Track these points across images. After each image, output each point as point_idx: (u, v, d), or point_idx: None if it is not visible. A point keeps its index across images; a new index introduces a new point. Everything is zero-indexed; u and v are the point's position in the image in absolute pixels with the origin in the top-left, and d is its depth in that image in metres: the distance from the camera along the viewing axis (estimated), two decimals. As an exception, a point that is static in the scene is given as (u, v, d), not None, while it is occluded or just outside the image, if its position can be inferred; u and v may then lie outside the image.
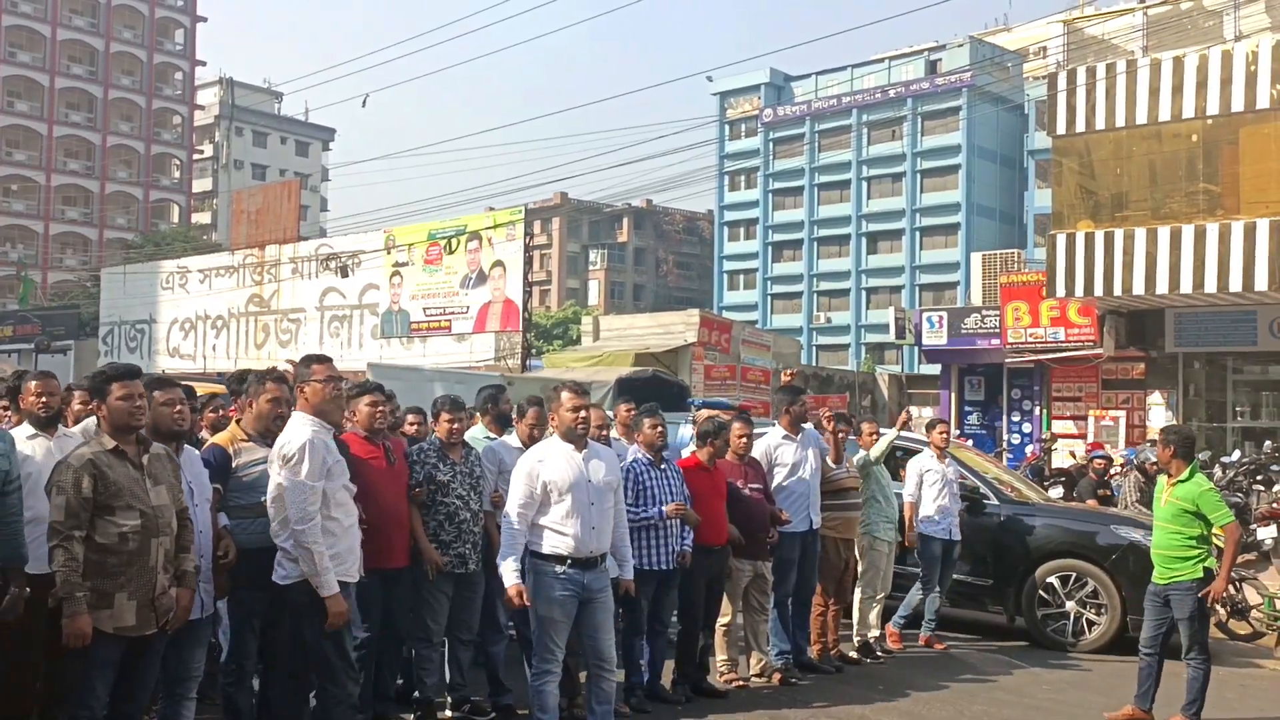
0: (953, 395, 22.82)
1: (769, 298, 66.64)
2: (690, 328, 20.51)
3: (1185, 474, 6.88)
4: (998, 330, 21.22)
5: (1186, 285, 17.18)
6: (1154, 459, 17.40)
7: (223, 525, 5.07)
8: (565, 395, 5.59)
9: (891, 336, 54.27)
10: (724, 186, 68.92)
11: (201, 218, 73.92)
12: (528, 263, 24.22)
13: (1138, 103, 17.94)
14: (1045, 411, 21.37)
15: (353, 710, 4.99)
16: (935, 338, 22.52)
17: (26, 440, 5.12)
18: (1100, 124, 18.43)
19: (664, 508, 6.50)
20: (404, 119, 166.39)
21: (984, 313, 22.00)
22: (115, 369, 4.63)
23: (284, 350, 29.40)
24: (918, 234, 60.90)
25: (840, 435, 8.35)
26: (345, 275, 26.17)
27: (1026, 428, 21.45)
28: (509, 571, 5.37)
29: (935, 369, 25.42)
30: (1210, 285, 16.98)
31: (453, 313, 25.60)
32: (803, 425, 8.03)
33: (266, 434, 5.25)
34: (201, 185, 75.46)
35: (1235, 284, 16.76)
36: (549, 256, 77.64)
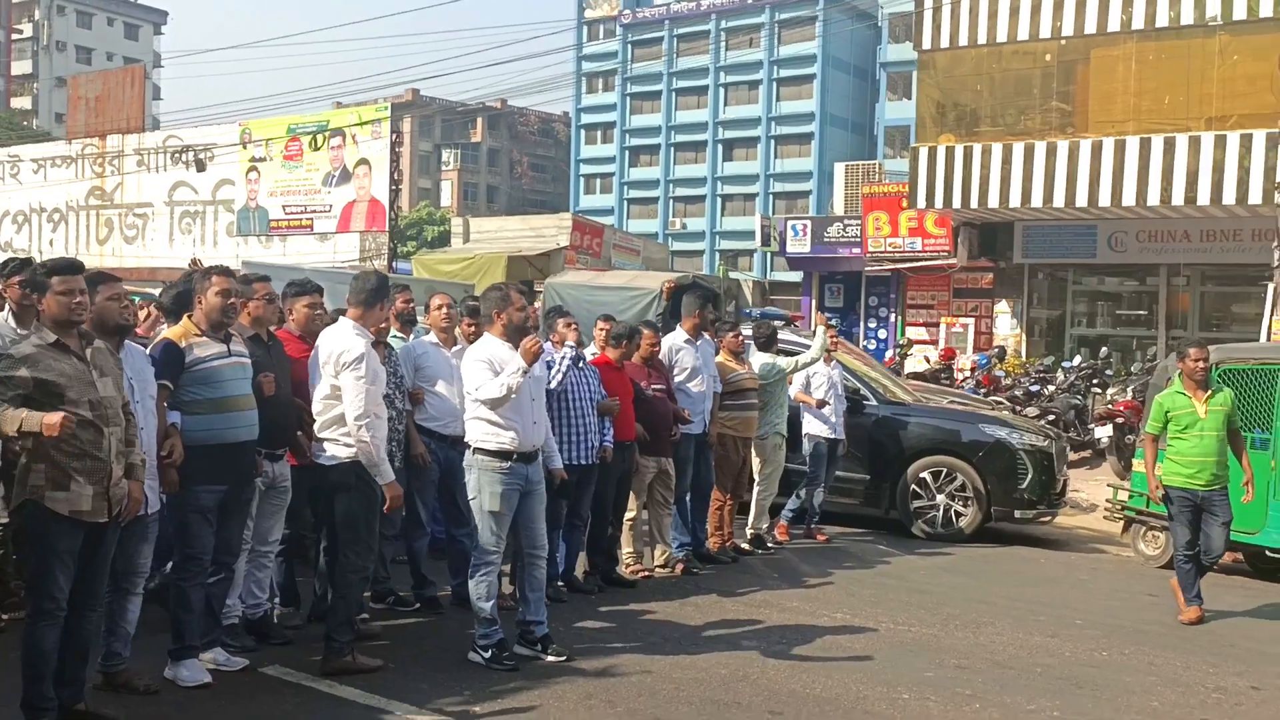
0: (813, 301, 23.59)
1: (625, 202, 66.74)
2: (562, 231, 20.57)
3: (1216, 384, 7.49)
4: (859, 239, 21.99)
5: (1037, 200, 18.10)
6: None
7: (172, 423, 5.05)
8: (514, 295, 5.74)
9: (750, 244, 54.91)
10: (581, 89, 68.17)
11: (21, 102, 69.22)
12: (394, 162, 23.72)
13: (998, 21, 18.61)
14: (900, 318, 22.34)
15: (365, 582, 5.59)
16: (799, 245, 23.17)
17: None
18: (963, 40, 19.06)
19: (583, 410, 6.70)
20: (247, 8, 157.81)
21: (846, 222, 22.72)
22: (56, 263, 4.55)
23: (130, 246, 28.22)
24: (773, 142, 61.72)
25: (739, 338, 8.75)
26: (202, 169, 25.11)
27: (882, 334, 22.41)
28: (514, 370, 5.54)
29: (790, 275, 26.22)
30: (1059, 200, 17.92)
31: (314, 211, 24.99)
32: (704, 332, 8.36)
33: (218, 327, 5.25)
34: (21, 68, 70.51)
35: (1081, 199, 17.74)
36: (400, 155, 75.60)
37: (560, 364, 6.56)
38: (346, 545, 5.45)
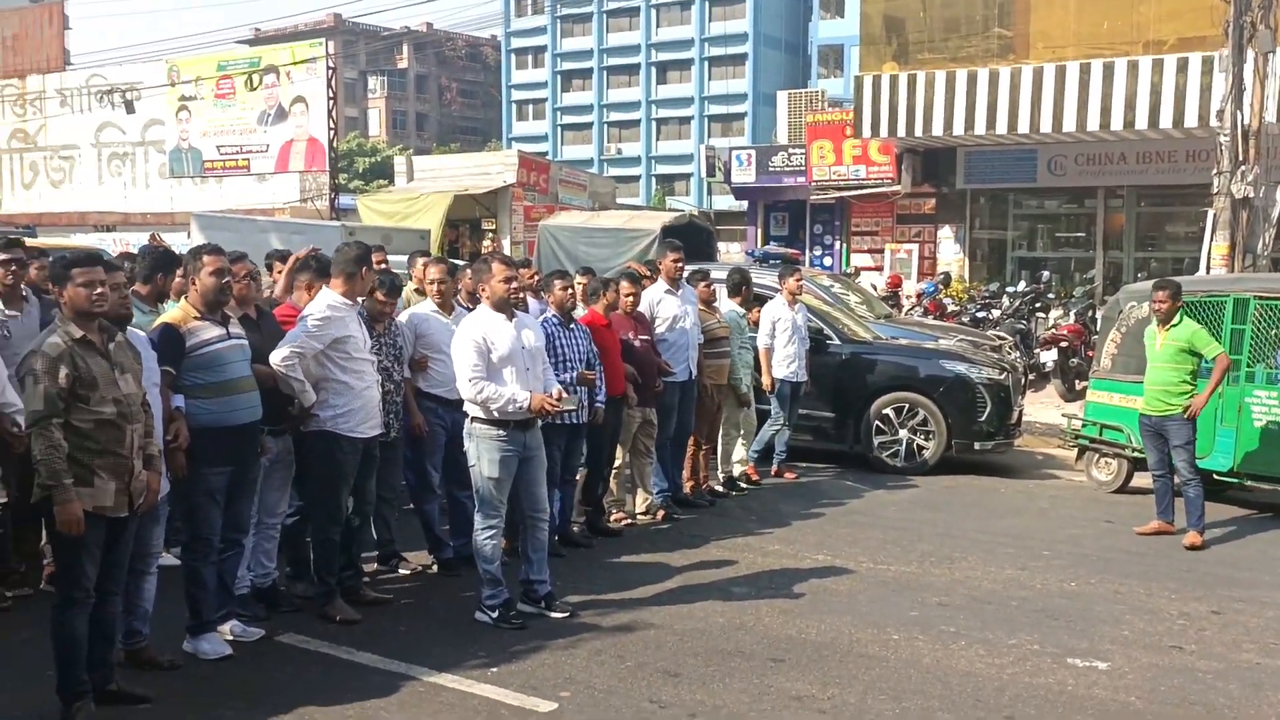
0: (759, 230, 23.76)
1: (559, 128, 66.07)
2: (509, 168, 20.38)
3: (1178, 319, 7.83)
4: (803, 168, 22.12)
5: (980, 127, 18.32)
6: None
7: (176, 407, 5.09)
8: (496, 266, 5.79)
9: (686, 168, 54.47)
10: (510, 11, 66.96)
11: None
12: (332, 99, 23.27)
13: (939, -53, 18.68)
14: (845, 246, 22.60)
15: (329, 544, 5.95)
16: (744, 175, 23.25)
17: None
18: (907, -33, 19.12)
19: (575, 373, 6.79)
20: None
21: (790, 151, 22.81)
22: (76, 255, 4.57)
23: (57, 191, 27.45)
24: (706, 64, 61.29)
25: (710, 288, 8.89)
26: (131, 110, 24.38)
27: (828, 261, 22.65)
28: (523, 398, 5.69)
29: (732, 203, 26.29)
30: (1001, 127, 18.17)
31: (251, 151, 24.47)
32: (682, 279, 8.48)
33: (214, 308, 5.27)
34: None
35: (1023, 126, 18.00)
36: (335, 90, 74.04)
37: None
38: (311, 510, 5.95)
